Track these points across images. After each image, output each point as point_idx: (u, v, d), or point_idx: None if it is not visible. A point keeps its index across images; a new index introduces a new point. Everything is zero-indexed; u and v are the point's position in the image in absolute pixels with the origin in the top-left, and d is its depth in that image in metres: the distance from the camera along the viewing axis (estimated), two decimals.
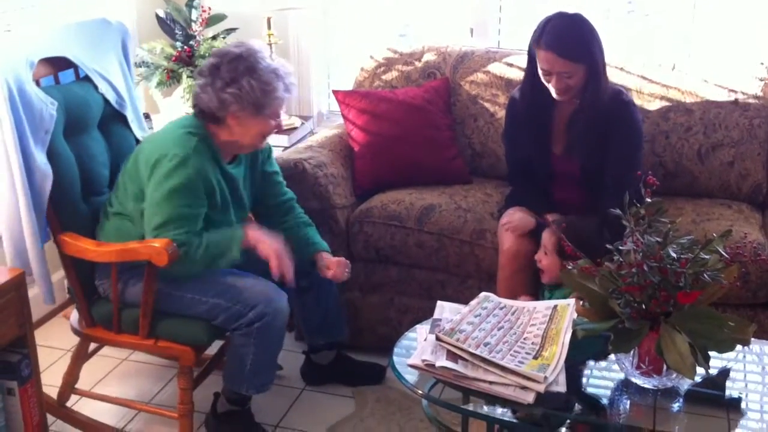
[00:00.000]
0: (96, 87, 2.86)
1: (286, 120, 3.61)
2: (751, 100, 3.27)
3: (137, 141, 3.02)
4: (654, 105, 3.35)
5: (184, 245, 2.53)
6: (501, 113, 3.49)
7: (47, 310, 3.61)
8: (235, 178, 2.74)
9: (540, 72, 2.90)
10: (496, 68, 3.57)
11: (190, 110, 3.59)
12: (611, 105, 2.95)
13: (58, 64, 2.79)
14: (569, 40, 2.83)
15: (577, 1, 3.69)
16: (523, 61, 3.47)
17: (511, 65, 3.55)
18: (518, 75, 3.49)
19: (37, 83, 2.66)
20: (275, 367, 2.81)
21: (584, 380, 2.25)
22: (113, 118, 2.94)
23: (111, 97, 2.90)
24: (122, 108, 2.95)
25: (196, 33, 3.70)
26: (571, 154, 3.02)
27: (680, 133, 3.31)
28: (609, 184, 2.85)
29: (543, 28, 2.86)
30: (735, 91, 3.29)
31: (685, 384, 2.15)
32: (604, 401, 2.19)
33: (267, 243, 2.66)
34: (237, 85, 2.55)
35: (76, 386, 2.94)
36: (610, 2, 3.90)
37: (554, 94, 2.92)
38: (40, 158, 2.56)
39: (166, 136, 2.64)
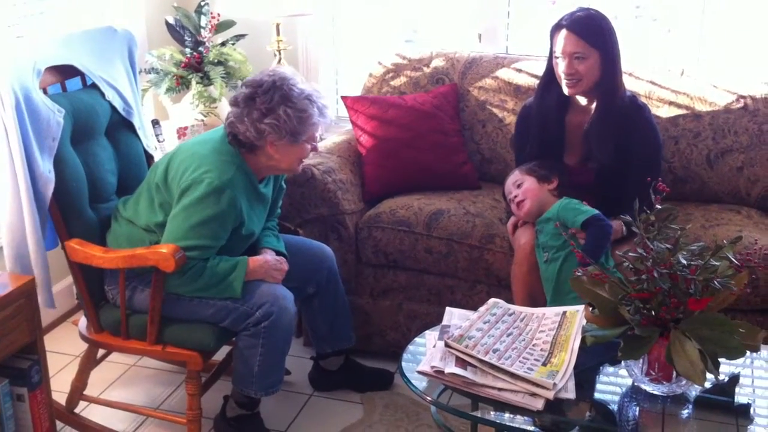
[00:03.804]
0: (103, 94, 2.86)
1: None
2: (760, 105, 3.26)
3: (144, 148, 3.03)
4: (663, 110, 3.34)
5: (191, 268, 2.57)
6: (509, 119, 3.49)
7: (55, 316, 3.62)
8: (265, 196, 2.77)
9: (555, 62, 2.93)
10: (505, 74, 3.57)
11: (199, 116, 3.65)
12: (628, 110, 2.97)
13: (65, 72, 2.79)
14: (587, 23, 2.92)
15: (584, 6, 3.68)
16: (531, 66, 3.50)
17: (519, 71, 3.55)
18: (527, 80, 3.50)
19: (45, 91, 2.66)
20: (283, 368, 2.81)
21: (593, 387, 2.24)
22: (120, 126, 2.95)
23: (118, 104, 2.90)
24: (129, 115, 2.96)
25: (205, 39, 3.71)
26: (587, 164, 3.02)
27: (689, 139, 3.30)
28: (631, 190, 2.79)
29: (565, 15, 2.95)
30: (744, 97, 3.28)
31: (694, 391, 2.15)
32: (614, 408, 2.18)
33: (271, 274, 2.74)
34: (274, 115, 2.55)
35: (85, 392, 2.94)
36: (617, 7, 3.89)
37: (565, 89, 2.93)
38: (44, 165, 2.56)
39: (203, 158, 2.60)
